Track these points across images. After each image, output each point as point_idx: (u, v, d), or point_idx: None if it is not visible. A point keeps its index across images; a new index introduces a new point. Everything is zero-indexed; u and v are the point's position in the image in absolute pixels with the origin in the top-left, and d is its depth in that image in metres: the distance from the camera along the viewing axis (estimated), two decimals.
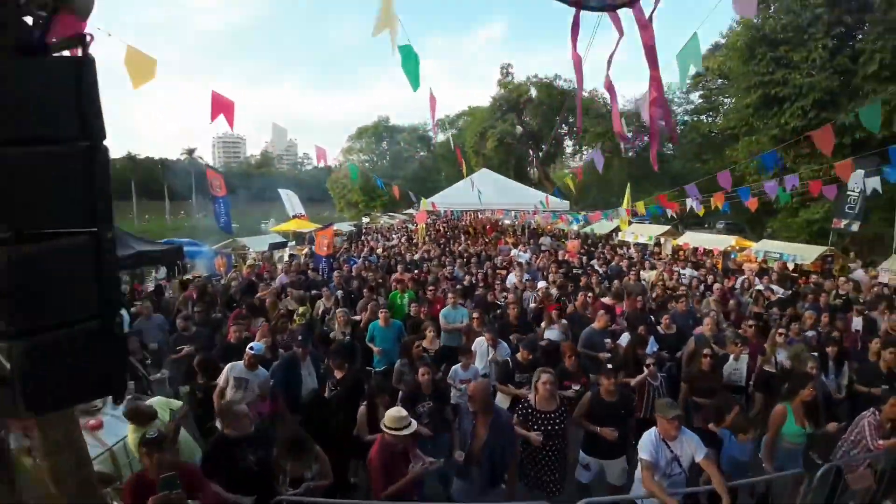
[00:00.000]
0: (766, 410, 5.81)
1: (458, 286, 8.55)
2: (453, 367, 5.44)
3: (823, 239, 16.32)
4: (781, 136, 17.82)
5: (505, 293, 8.46)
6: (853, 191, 12.10)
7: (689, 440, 3.80)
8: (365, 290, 8.19)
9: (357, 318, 7.33)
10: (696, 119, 34.62)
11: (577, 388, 5.10)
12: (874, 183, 6.91)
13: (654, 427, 3.88)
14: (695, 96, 34.59)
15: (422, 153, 55.63)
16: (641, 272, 11.57)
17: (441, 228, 25.81)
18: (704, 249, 16.72)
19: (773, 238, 18.37)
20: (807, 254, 13.35)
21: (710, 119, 33.72)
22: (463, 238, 19.69)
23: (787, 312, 8.05)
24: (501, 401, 5.23)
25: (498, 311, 7.72)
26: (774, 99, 19.48)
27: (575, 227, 21.96)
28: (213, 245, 16.13)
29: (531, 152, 43.06)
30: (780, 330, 6.40)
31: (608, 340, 6.57)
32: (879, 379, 5.51)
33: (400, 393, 5.35)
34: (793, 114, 18.64)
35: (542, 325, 6.96)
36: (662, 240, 19.45)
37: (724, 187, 6.34)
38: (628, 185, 15.97)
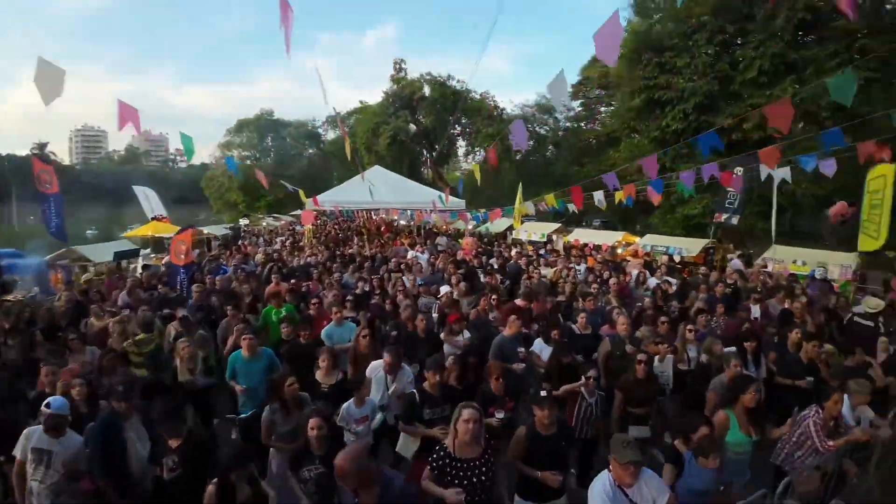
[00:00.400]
0: (682, 411, 5.51)
1: (348, 296, 7.23)
2: (344, 405, 4.23)
3: (699, 232, 17.65)
4: (662, 138, 18.98)
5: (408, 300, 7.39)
6: (732, 187, 13.04)
7: (650, 482, 3.06)
8: (229, 308, 6.56)
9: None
10: (576, 125, 36.69)
11: (500, 415, 4.18)
12: (783, 173, 7.06)
13: (606, 472, 3.09)
14: (575, 104, 36.77)
15: (311, 150, 52.62)
16: (541, 269, 11.26)
17: (332, 231, 23.94)
18: (594, 245, 17.24)
19: (644, 233, 19.47)
20: (691, 247, 14.14)
21: (587, 126, 35.89)
22: (356, 240, 18.20)
23: (687, 305, 8.06)
24: (409, 445, 4.14)
25: (393, 323, 6.56)
26: (657, 102, 20.68)
27: (471, 226, 21.69)
28: (49, 255, 12.96)
29: (424, 152, 42.62)
30: (690, 326, 6.11)
31: (521, 349, 5.82)
32: (802, 371, 5.35)
33: (271, 452, 4.02)
34: (674, 116, 19.89)
35: (442, 336, 6.02)
36: (554, 237, 19.87)
37: (651, 175, 5.96)
38: (520, 184, 15.91)
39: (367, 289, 8.45)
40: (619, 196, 8.44)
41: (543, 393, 3.63)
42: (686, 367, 5.79)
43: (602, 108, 35.22)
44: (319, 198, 15.16)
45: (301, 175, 43.26)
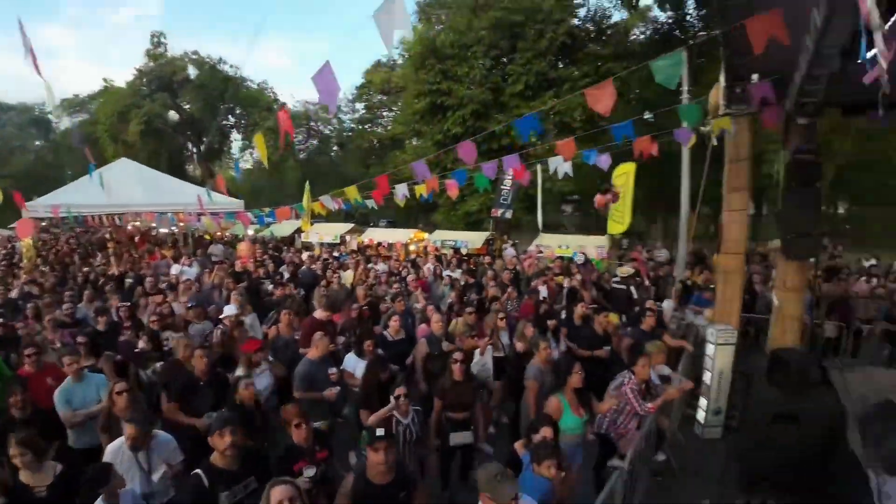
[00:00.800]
0: (508, 398, 5.61)
1: (78, 336, 5.21)
2: None
3: (477, 227, 19.42)
4: (444, 141, 20.14)
5: (171, 333, 5.73)
6: (506, 186, 14.65)
7: None
8: None
9: None
10: (360, 128, 36.79)
11: (311, 473, 3.33)
12: (566, 168, 7.80)
13: None
14: (360, 106, 36.85)
15: (38, 142, 41.23)
16: (341, 272, 10.47)
17: (64, 246, 18.26)
18: (388, 243, 17.29)
19: (431, 231, 20.56)
20: (475, 240, 15.58)
21: (370, 129, 36.38)
22: (100, 256, 14.15)
23: (483, 295, 8.41)
24: None
25: (156, 368, 4.99)
26: (440, 107, 21.97)
27: (251, 231, 19.40)
28: None
29: (190, 145, 36.86)
30: (501, 314, 6.25)
31: (332, 370, 5.00)
32: (599, 342, 5.90)
33: None
34: (454, 121, 21.35)
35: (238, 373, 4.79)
36: (348, 237, 19.30)
37: (469, 161, 5.75)
38: (307, 182, 14.87)
39: (115, 319, 6.40)
40: (421, 189, 8.31)
41: (380, 431, 2.92)
42: (501, 354, 5.84)
43: (385, 113, 36.18)
44: (38, 201, 11.33)
45: (25, 172, 33.99)
